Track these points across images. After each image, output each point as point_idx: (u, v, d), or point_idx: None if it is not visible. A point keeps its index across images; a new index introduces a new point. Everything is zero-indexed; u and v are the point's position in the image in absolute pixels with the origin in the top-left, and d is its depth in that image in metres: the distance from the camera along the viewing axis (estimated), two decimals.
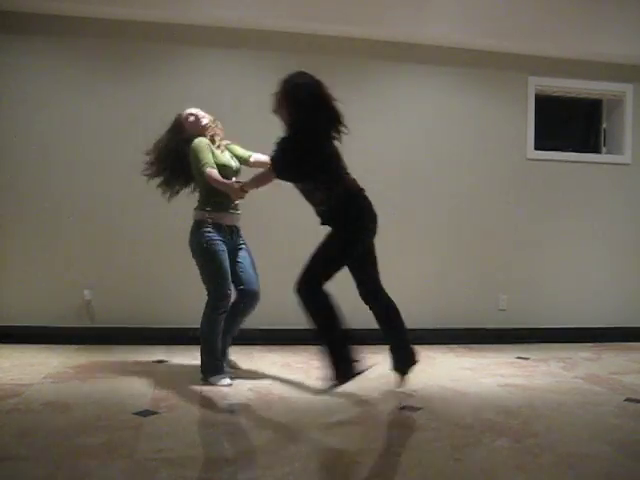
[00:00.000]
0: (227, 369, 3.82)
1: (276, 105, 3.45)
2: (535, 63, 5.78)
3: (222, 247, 3.71)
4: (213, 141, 3.82)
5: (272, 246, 5.20)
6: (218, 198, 3.74)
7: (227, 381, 3.69)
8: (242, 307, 3.86)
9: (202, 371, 3.75)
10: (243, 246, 3.92)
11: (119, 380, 3.79)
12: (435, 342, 5.33)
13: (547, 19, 5.49)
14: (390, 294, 5.71)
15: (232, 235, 3.83)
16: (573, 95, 6.02)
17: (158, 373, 4.00)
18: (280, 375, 4.07)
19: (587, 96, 6.06)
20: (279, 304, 5.27)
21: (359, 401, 3.50)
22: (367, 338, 5.27)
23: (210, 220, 3.72)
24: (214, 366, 3.72)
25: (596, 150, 6.16)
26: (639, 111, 6.01)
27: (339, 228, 3.46)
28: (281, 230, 5.32)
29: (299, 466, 2.45)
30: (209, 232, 3.70)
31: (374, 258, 3.67)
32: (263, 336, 5.13)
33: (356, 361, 3.42)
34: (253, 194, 3.74)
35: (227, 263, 3.72)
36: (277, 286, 5.28)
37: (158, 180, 3.97)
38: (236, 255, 3.85)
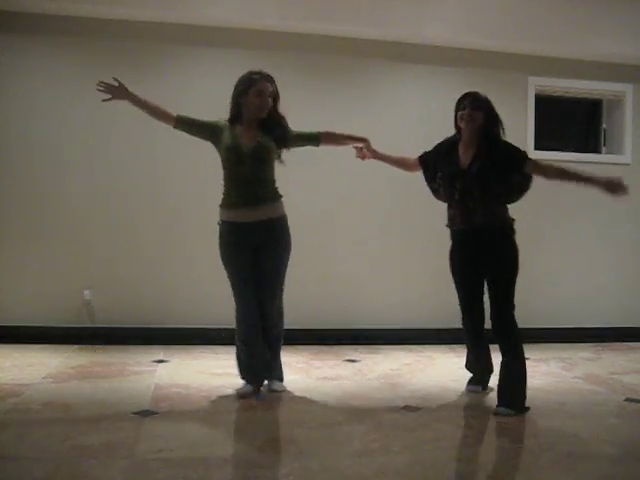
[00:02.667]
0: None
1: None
2: (535, 63, 5.77)
3: None
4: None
5: None
6: None
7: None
8: None
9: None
10: None
11: (119, 380, 3.79)
12: (435, 342, 5.33)
13: (547, 19, 5.49)
14: (391, 294, 5.75)
15: None
16: (573, 95, 6.02)
17: (158, 373, 4.00)
18: None
19: (587, 96, 6.06)
20: None
21: (359, 401, 3.50)
22: (362, 337, 5.30)
23: None
24: None
25: (596, 150, 6.16)
26: (639, 111, 6.01)
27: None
28: None
29: (299, 466, 2.45)
30: None
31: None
32: None
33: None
34: None
35: None
36: None
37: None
38: None
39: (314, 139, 3.65)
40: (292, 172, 5.25)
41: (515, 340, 3.32)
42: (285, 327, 5.15)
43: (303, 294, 5.26)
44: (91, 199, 5.08)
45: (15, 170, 5.00)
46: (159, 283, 5.13)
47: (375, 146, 5.15)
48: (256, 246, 3.47)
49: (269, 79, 3.48)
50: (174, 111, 3.60)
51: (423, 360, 4.70)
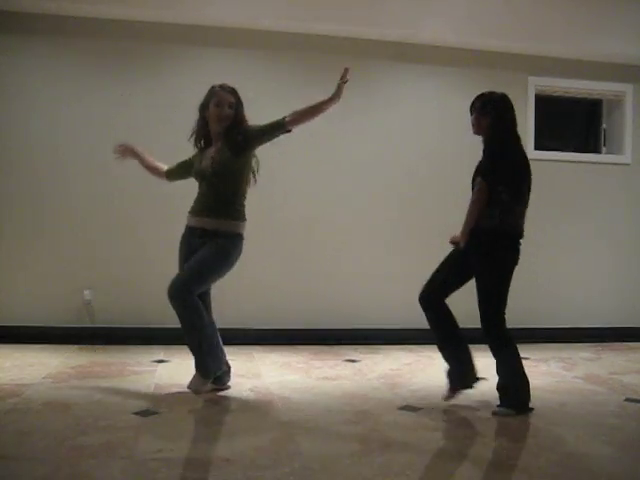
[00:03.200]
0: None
1: None
2: (535, 63, 5.78)
3: None
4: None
5: (275, 247, 5.21)
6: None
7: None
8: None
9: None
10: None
11: (119, 380, 3.79)
12: (435, 342, 5.32)
13: (547, 19, 5.49)
14: (391, 294, 5.74)
15: None
16: (573, 95, 6.02)
17: (158, 373, 4.00)
18: (280, 375, 4.08)
19: (587, 96, 6.06)
20: (279, 304, 5.29)
21: (359, 401, 3.50)
22: (360, 337, 5.30)
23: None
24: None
25: (596, 150, 6.16)
26: (639, 111, 6.01)
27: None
28: (286, 232, 5.31)
29: (299, 466, 2.45)
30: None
31: None
32: (263, 336, 5.13)
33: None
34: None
35: None
36: (277, 287, 5.30)
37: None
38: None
39: (280, 127, 3.41)
40: (293, 173, 5.29)
41: (501, 341, 3.30)
42: (285, 327, 5.21)
43: (303, 294, 5.27)
44: (91, 199, 5.08)
45: (15, 170, 5.01)
46: (159, 283, 5.09)
47: (374, 145, 5.17)
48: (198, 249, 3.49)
49: (229, 90, 3.48)
50: (165, 165, 3.83)
51: (423, 360, 4.70)
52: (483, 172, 3.37)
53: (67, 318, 4.97)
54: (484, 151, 3.49)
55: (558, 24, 5.53)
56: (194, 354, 3.52)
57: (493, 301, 3.34)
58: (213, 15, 5.07)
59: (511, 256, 3.32)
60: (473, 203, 3.33)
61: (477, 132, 3.53)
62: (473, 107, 3.56)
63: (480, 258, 3.31)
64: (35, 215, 5.01)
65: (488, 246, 3.29)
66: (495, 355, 3.31)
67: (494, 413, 3.22)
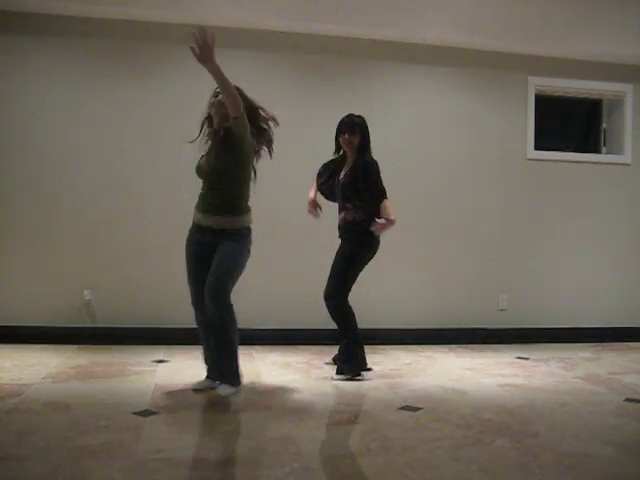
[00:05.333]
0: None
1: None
2: (535, 63, 5.78)
3: None
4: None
5: (274, 247, 5.21)
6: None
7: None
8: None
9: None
10: None
11: (119, 380, 3.79)
12: (435, 342, 5.34)
13: (547, 19, 5.49)
14: (391, 294, 5.74)
15: None
16: (573, 95, 6.02)
17: (158, 373, 4.00)
18: (280, 375, 4.08)
19: (587, 96, 6.07)
20: (279, 304, 5.29)
21: (359, 401, 3.50)
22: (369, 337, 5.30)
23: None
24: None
25: (596, 150, 6.16)
26: (639, 111, 6.01)
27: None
28: (285, 232, 5.31)
29: (299, 466, 2.45)
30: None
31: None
32: (263, 336, 5.13)
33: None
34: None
35: None
36: (277, 287, 5.30)
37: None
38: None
39: None
40: (291, 174, 5.28)
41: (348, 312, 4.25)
42: (286, 327, 5.21)
43: (303, 294, 5.26)
44: (91, 199, 5.08)
45: (17, 170, 5.01)
46: (159, 283, 5.13)
47: (374, 145, 5.14)
48: (214, 245, 3.50)
49: None
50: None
51: (423, 360, 4.70)
52: (381, 191, 4.27)
53: (67, 318, 4.98)
54: (364, 167, 4.16)
55: (558, 24, 5.53)
56: (227, 361, 3.52)
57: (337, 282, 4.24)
58: (214, 15, 5.06)
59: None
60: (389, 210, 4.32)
61: (349, 150, 4.21)
62: (342, 130, 4.17)
63: (346, 247, 4.21)
64: (36, 215, 5.01)
65: (354, 235, 4.18)
66: (339, 325, 4.17)
67: (332, 379, 3.93)
